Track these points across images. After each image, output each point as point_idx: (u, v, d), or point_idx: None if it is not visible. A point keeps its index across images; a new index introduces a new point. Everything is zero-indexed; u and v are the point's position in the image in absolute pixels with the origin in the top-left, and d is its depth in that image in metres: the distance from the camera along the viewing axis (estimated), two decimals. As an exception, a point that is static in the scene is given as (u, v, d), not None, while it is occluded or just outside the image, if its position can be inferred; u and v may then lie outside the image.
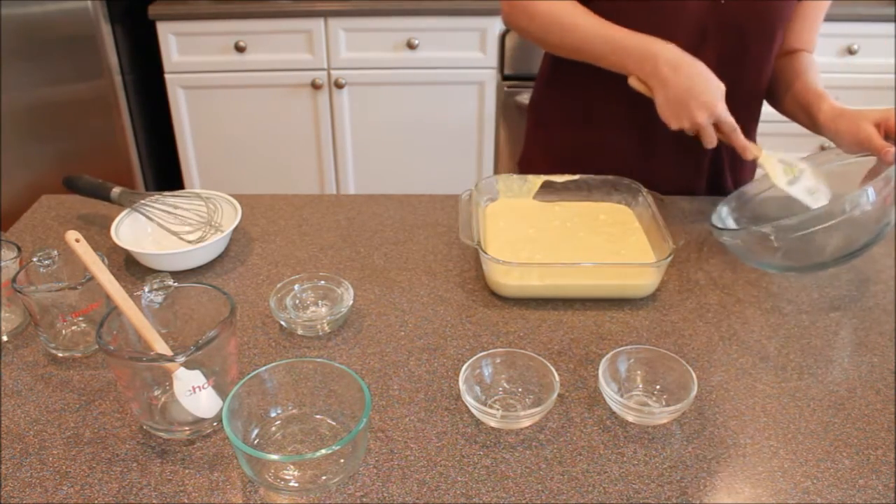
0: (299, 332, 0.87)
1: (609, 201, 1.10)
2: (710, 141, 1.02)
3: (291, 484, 0.66)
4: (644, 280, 0.93)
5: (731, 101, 1.07)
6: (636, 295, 0.94)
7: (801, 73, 1.13)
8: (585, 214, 1.07)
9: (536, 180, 1.10)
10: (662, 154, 1.18)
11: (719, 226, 1.00)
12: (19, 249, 0.88)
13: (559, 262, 0.96)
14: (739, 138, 1.03)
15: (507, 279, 0.92)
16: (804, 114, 1.10)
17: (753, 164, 1.28)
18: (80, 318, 0.84)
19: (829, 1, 1.15)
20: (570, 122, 1.08)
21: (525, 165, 1.34)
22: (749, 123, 1.20)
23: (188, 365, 0.70)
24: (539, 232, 1.03)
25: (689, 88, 0.97)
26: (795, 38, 1.16)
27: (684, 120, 0.99)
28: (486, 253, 0.91)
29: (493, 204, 1.09)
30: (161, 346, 0.73)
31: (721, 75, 1.03)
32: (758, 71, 1.14)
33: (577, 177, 1.09)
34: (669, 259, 0.91)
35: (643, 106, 1.05)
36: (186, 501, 0.66)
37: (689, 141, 1.07)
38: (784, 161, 1.05)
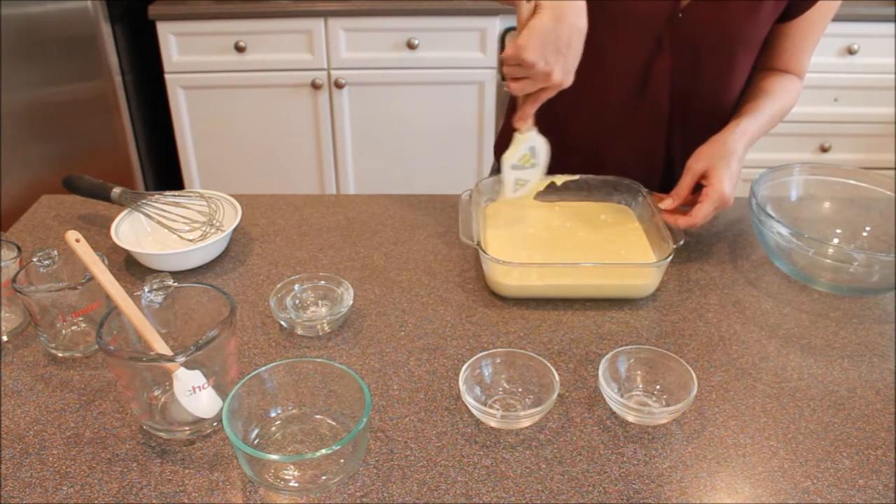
0: (299, 332, 0.87)
1: (609, 201, 1.10)
2: (522, 89, 0.90)
3: (291, 484, 0.66)
4: (644, 280, 0.93)
5: (684, 115, 1.11)
6: (636, 295, 0.94)
7: (757, 89, 1.10)
8: (585, 214, 1.07)
9: (536, 180, 1.10)
10: (620, 149, 1.17)
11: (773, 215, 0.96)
12: (19, 249, 0.88)
13: (559, 262, 0.96)
14: (530, 107, 0.94)
15: (507, 279, 0.92)
16: None
17: None
18: (80, 318, 0.84)
19: (823, 25, 1.10)
20: (540, 116, 1.05)
21: (497, 149, 1.32)
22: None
23: (188, 365, 0.70)
24: (539, 232, 1.03)
25: (570, 43, 0.86)
26: (778, 59, 1.13)
27: (540, 60, 0.85)
28: (486, 253, 0.91)
29: (493, 204, 1.09)
30: (161, 346, 0.73)
31: (674, 87, 1.09)
32: (715, 90, 1.11)
33: (577, 177, 1.09)
34: (669, 259, 0.91)
35: (605, 102, 1.12)
36: (186, 501, 0.66)
37: (643, 137, 1.13)
38: (534, 150, 1.00)
